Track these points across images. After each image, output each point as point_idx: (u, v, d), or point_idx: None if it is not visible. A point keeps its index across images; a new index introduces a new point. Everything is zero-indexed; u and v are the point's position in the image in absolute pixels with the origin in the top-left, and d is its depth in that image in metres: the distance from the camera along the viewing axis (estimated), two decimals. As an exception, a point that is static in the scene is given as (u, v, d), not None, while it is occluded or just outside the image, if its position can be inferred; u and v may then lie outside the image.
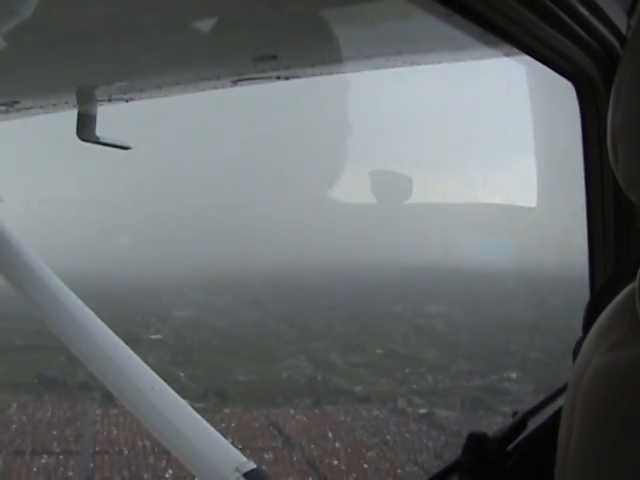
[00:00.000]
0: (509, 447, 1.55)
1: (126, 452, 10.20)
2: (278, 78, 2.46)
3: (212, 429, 3.51)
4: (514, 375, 12.49)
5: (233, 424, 11.05)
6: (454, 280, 14.15)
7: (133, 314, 14.12)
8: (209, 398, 11.68)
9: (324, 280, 14.43)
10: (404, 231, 16.17)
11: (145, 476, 9.70)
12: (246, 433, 10.91)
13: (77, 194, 15.29)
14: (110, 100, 2.67)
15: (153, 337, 13.48)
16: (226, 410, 11.46)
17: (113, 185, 15.34)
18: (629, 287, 1.09)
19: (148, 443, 10.44)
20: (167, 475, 9.81)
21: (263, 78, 2.46)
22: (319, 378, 12.66)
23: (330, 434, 11.09)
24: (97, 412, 11.19)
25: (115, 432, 10.63)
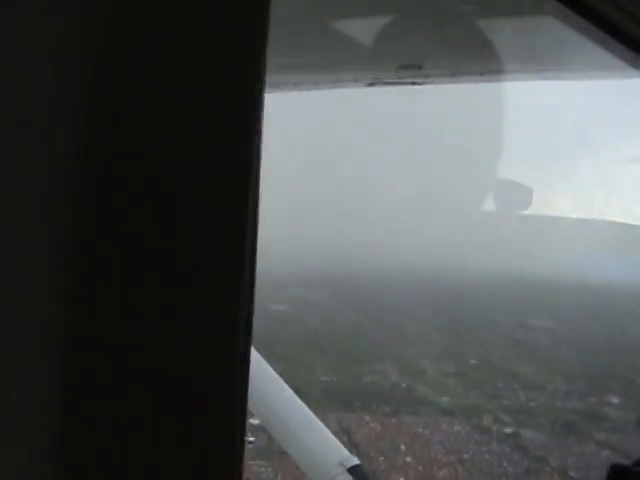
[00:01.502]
0: None
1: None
2: (413, 84, 2.50)
3: (319, 423, 3.85)
4: (616, 400, 11.02)
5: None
6: (568, 295, 12.84)
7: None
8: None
9: (428, 284, 13.37)
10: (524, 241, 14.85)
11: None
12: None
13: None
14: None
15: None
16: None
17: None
18: None
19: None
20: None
21: (398, 83, 2.52)
22: (403, 385, 11.60)
23: (403, 447, 10.05)
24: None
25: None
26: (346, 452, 4.24)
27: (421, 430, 10.53)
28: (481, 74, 2.54)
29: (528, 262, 13.90)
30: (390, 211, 14.96)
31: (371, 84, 2.61)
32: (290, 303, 14.21)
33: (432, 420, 10.83)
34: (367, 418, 10.68)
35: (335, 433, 9.96)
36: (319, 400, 11.09)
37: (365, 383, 11.61)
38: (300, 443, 4.17)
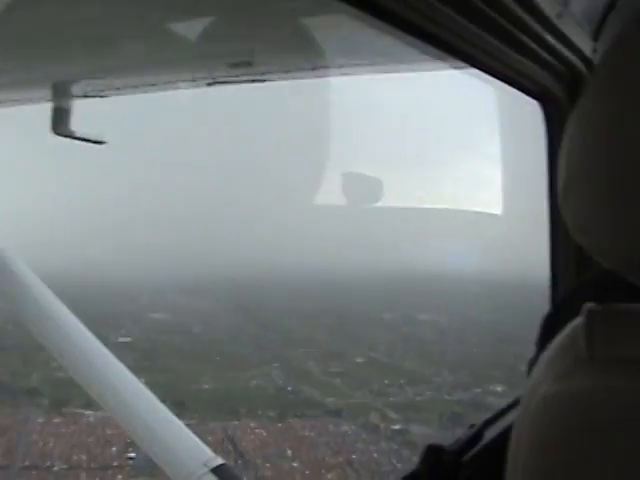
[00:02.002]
0: (465, 458, 1.45)
1: (56, 468, 8.81)
2: (253, 82, 2.50)
3: (181, 424, 3.74)
4: (499, 389, 10.88)
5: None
6: (437, 287, 12.71)
7: (106, 316, 12.81)
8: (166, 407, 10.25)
9: (312, 285, 12.99)
10: (382, 235, 14.62)
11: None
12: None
13: (54, 193, 14.06)
14: (86, 96, 2.73)
15: (121, 340, 12.12)
16: (181, 421, 10.01)
17: (92, 184, 14.08)
18: (575, 321, 1.09)
19: (84, 457, 9.08)
20: (97, 496, 8.43)
21: (238, 82, 2.51)
22: (289, 388, 11.17)
23: (289, 452, 9.59)
24: (39, 420, 9.82)
25: (51, 444, 9.26)
26: (210, 452, 4.18)
27: (307, 433, 10.11)
28: (312, 69, 2.54)
29: (403, 256, 13.73)
30: (259, 212, 14.57)
31: (210, 84, 2.57)
32: (172, 312, 13.60)
33: (319, 422, 10.44)
34: (252, 424, 10.19)
35: (220, 442, 9.42)
36: (203, 410, 10.54)
37: (251, 388, 11.14)
38: (162, 446, 4.06)
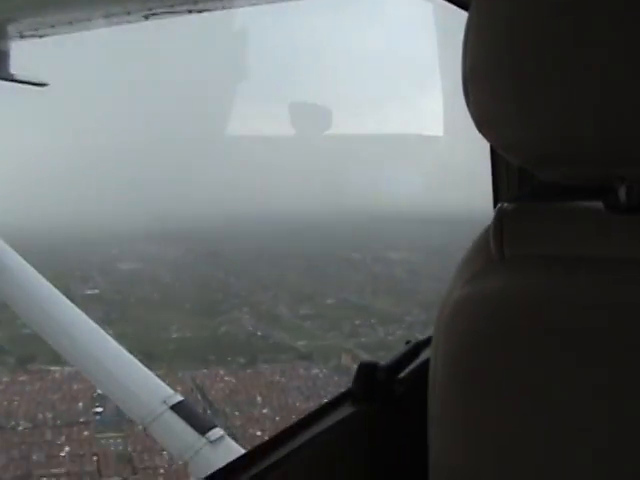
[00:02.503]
0: (400, 375, 1.40)
1: (21, 428, 8.54)
2: (190, 12, 2.43)
3: (139, 364, 4.16)
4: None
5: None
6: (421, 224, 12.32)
7: (73, 269, 12.46)
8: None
9: (279, 227, 12.61)
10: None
11: (35, 456, 8.03)
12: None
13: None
14: (22, 37, 2.70)
15: (89, 292, 11.79)
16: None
17: (47, 129, 13.52)
18: (487, 226, 1.09)
19: (50, 415, 8.81)
20: (63, 453, 8.16)
21: (174, 12, 2.42)
22: (259, 333, 10.90)
23: (259, 398, 9.37)
24: (4, 379, 9.53)
25: (16, 403, 8.98)
26: (169, 390, 4.32)
27: (278, 378, 9.88)
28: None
29: (363, 191, 13.33)
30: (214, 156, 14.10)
31: (147, 16, 2.45)
32: (141, 261, 13.24)
33: (289, 366, 10.20)
34: (222, 372, 9.95)
35: (189, 392, 9.11)
36: (171, 359, 10.28)
37: (220, 335, 10.86)
38: (121, 386, 4.19)
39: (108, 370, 4.31)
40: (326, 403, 1.37)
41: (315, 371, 10.08)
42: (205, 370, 10.02)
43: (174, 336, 10.79)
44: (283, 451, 1.19)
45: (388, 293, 12.15)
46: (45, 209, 13.32)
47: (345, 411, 1.34)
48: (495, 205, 1.98)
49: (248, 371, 10.00)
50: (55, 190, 13.74)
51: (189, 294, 12.21)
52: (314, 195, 13.50)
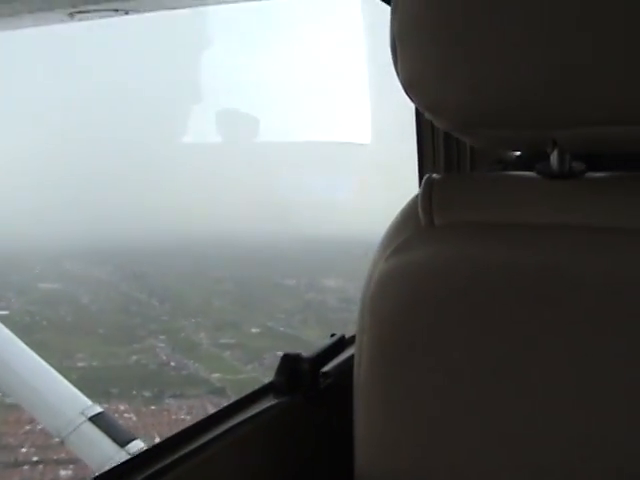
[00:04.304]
0: (325, 368, 1.31)
1: None
2: (116, 11, 2.28)
3: (56, 374, 4.07)
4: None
5: (40, 426, 7.91)
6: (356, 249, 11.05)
7: (-13, 287, 11.06)
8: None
9: (211, 250, 11.27)
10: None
11: None
12: (52, 439, 7.77)
13: None
14: None
15: (-1, 312, 10.34)
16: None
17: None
18: (414, 195, 1.05)
19: None
20: None
21: (100, 10, 2.25)
22: (172, 364, 9.49)
23: (157, 439, 7.92)
24: None
25: None
26: (87, 401, 3.97)
27: (183, 416, 8.46)
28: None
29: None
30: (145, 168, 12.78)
31: (72, 14, 2.24)
32: (63, 281, 11.82)
33: (197, 402, 8.79)
34: (122, 408, 8.51)
35: None
36: (71, 391, 8.86)
37: (129, 365, 9.44)
38: (38, 397, 3.87)
39: (23, 380, 4.02)
40: (245, 396, 1.21)
41: (225, 408, 8.68)
42: (105, 405, 8.56)
43: (79, 365, 9.36)
44: (194, 444, 1.03)
45: (318, 322, 10.78)
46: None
47: (265, 404, 1.19)
48: (420, 175, 1.84)
49: (152, 407, 8.58)
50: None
51: (106, 317, 10.80)
52: (246, 212, 12.19)
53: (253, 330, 10.41)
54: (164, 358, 9.61)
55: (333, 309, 11.15)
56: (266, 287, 11.54)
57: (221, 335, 10.24)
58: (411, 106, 1.83)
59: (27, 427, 7.88)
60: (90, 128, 13.12)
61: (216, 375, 9.32)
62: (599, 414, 0.92)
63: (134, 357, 9.55)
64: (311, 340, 10.35)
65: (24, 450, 7.52)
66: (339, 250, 11.20)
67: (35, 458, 7.44)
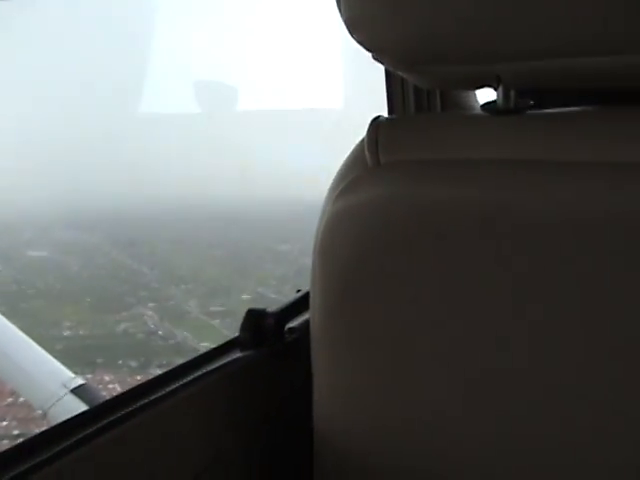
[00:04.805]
0: (291, 324, 1.33)
1: None
2: None
3: (37, 347, 3.82)
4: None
5: (22, 398, 7.61)
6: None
7: (-26, 255, 10.72)
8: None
9: (203, 216, 10.86)
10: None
11: None
12: (35, 411, 7.47)
13: None
14: None
15: (-18, 281, 10.06)
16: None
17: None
18: (362, 137, 1.02)
19: None
20: None
21: None
22: (160, 332, 9.17)
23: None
24: None
25: None
26: (69, 373, 3.74)
27: (169, 385, 8.15)
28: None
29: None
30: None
31: None
32: (53, 248, 11.46)
33: (185, 372, 8.47)
34: (107, 378, 8.22)
35: None
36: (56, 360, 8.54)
37: (117, 334, 9.12)
38: (19, 370, 3.70)
39: (3, 352, 3.86)
40: (208, 350, 1.18)
41: (213, 378, 8.36)
42: (89, 375, 8.25)
43: (65, 334, 9.04)
44: (157, 394, 1.00)
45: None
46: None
47: (229, 357, 1.16)
48: None
49: (137, 377, 8.24)
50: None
51: (94, 286, 10.46)
52: (233, 178, 11.76)
53: (244, 297, 10.06)
54: (152, 327, 9.29)
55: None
56: (259, 253, 11.16)
57: (211, 302, 9.89)
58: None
59: (9, 399, 7.59)
60: (79, 90, 12.66)
61: (204, 344, 8.97)
62: (552, 350, 0.88)
63: (122, 325, 9.23)
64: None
65: (5, 423, 7.23)
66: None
67: (16, 432, 7.14)
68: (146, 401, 1.01)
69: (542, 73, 0.90)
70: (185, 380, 1.08)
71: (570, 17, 0.81)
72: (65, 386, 3.75)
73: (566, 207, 0.90)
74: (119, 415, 0.96)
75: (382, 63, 0.96)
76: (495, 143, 0.96)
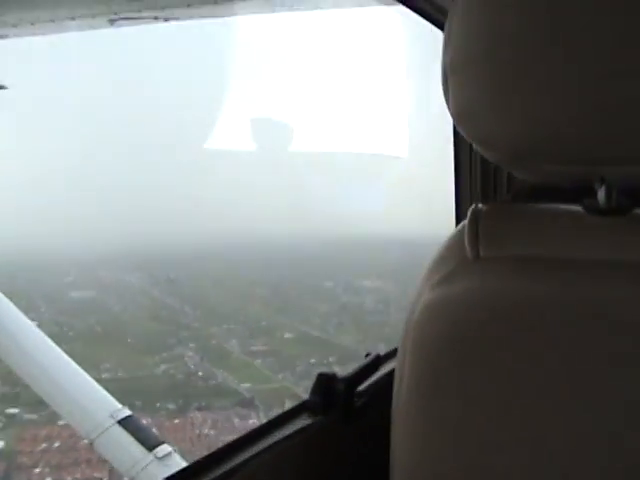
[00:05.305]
0: (360, 388, 1.30)
1: None
2: (156, 19, 2.27)
3: (86, 376, 3.94)
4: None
5: (57, 444, 7.30)
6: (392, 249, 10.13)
7: (19, 296, 10.51)
8: (48, 405, 7.84)
9: (246, 255, 10.55)
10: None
11: None
12: (68, 458, 7.14)
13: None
14: None
15: (26, 324, 9.77)
16: (60, 422, 7.62)
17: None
18: (460, 225, 1.02)
19: None
20: None
21: (140, 18, 2.25)
22: (200, 373, 8.78)
23: (178, 455, 7.20)
24: None
25: None
26: (116, 404, 3.99)
27: (207, 430, 7.73)
28: (215, 2, 2.30)
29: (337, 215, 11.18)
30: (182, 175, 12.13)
31: (112, 21, 2.27)
32: (96, 288, 11.24)
33: (224, 415, 8.04)
34: (144, 422, 7.80)
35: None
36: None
37: (156, 375, 8.76)
38: (68, 399, 3.85)
39: (55, 381, 3.87)
40: (280, 415, 1.18)
41: (253, 421, 7.88)
42: (126, 418, 7.89)
43: (103, 376, 8.69)
44: (230, 464, 1.02)
45: (355, 326, 9.95)
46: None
47: (301, 423, 1.18)
48: (457, 204, 1.85)
49: (176, 421, 7.87)
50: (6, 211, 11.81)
51: (135, 326, 10.16)
52: (281, 217, 11.42)
53: (286, 336, 9.63)
54: (192, 367, 8.90)
55: (370, 312, 10.31)
56: (303, 290, 10.76)
57: (253, 342, 9.49)
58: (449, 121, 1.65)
59: (43, 445, 7.27)
60: (123, 135, 12.56)
61: (245, 385, 8.57)
62: (632, 453, 0.88)
63: (162, 367, 8.87)
64: (346, 345, 9.51)
65: (38, 470, 6.88)
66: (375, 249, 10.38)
67: (48, 479, 6.80)
68: (218, 474, 0.98)
69: None
70: (256, 450, 1.06)
71: None
72: (112, 417, 3.85)
73: None
74: None
75: (484, 154, 0.94)
76: (599, 244, 0.94)
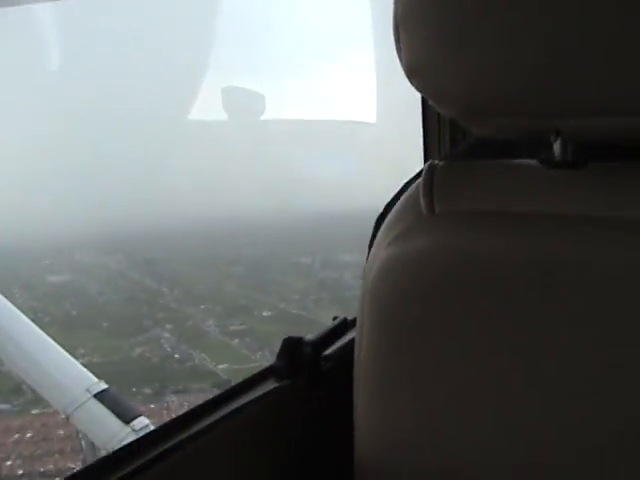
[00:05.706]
0: (326, 352, 1.23)
1: None
2: None
3: (61, 351, 3.98)
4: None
5: (29, 434, 7.09)
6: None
7: (-7, 283, 10.27)
8: (23, 393, 7.62)
9: (222, 232, 10.28)
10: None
11: None
12: (41, 448, 6.93)
13: None
14: None
15: (-1, 312, 9.51)
16: (34, 411, 7.41)
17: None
18: (417, 181, 1.01)
19: None
20: None
21: None
22: (177, 355, 8.57)
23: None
24: None
25: None
26: (93, 378, 3.86)
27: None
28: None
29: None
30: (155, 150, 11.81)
31: None
32: (73, 272, 10.98)
33: (201, 398, 7.80)
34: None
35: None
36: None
37: (132, 359, 8.55)
38: (43, 374, 3.83)
39: (30, 357, 3.89)
40: (246, 380, 1.14)
41: (230, 403, 7.69)
42: (100, 405, 7.68)
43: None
44: (195, 428, 0.97)
45: (333, 302, 9.73)
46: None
47: (267, 387, 1.13)
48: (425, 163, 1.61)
49: (151, 406, 7.66)
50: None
51: (112, 309, 9.92)
52: (255, 192, 11.14)
53: (264, 314, 9.42)
54: (169, 350, 8.69)
55: (349, 287, 10.09)
56: (280, 267, 10.53)
57: (231, 321, 9.27)
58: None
59: (16, 436, 7.06)
60: (93, 111, 12.19)
61: (222, 366, 8.37)
62: (604, 405, 0.87)
63: (137, 350, 8.65)
64: (325, 321, 9.31)
65: (9, 463, 6.68)
66: (350, 225, 10.13)
67: (20, 471, 6.60)
68: (182, 438, 0.95)
69: (603, 128, 0.86)
70: (222, 414, 1.03)
71: (635, 74, 0.79)
72: (88, 391, 3.81)
73: (624, 265, 0.86)
74: (156, 453, 0.92)
75: (438, 109, 0.92)
76: (553, 197, 0.93)
